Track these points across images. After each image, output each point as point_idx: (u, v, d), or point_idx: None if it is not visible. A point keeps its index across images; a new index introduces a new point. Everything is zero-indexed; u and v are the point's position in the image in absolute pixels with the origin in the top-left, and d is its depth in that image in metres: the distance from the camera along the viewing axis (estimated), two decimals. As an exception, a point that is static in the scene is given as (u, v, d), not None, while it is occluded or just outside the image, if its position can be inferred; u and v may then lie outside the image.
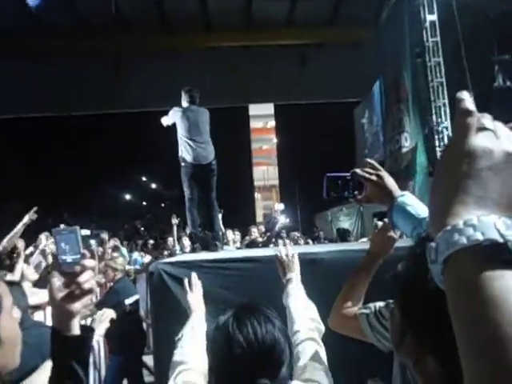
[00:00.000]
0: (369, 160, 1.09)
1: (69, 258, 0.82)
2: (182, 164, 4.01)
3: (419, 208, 1.00)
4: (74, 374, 0.82)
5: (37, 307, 2.47)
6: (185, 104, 4.20)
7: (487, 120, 0.44)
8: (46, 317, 2.60)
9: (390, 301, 1.17)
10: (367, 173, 1.05)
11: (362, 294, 1.29)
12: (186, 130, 4.00)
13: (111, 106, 14.39)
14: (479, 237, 0.36)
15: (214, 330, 1.04)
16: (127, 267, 4.73)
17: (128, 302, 3.79)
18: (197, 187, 4.02)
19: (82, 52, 12.52)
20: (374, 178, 1.05)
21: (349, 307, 1.27)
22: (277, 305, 2.40)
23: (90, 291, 0.82)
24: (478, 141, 0.42)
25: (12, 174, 20.38)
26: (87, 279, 0.81)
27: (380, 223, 1.27)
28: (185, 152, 3.98)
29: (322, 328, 1.37)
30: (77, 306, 0.81)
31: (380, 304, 1.22)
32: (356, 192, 1.08)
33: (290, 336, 1.07)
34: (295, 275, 1.67)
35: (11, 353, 0.91)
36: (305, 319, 1.35)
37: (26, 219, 3.37)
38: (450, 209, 0.40)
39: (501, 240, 0.36)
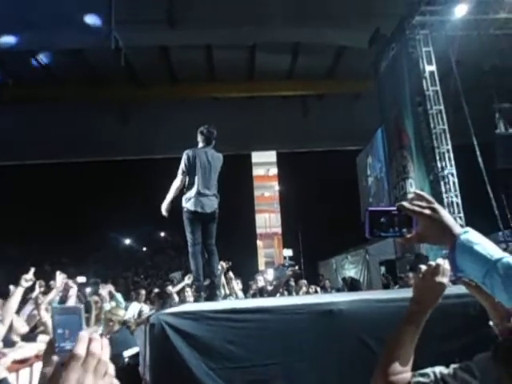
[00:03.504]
0: (417, 191, 0.94)
1: (68, 345, 0.66)
2: (185, 209, 3.88)
3: (490, 247, 0.84)
4: None
5: (23, 362, 2.23)
6: (200, 145, 4.11)
7: None
8: (32, 373, 2.34)
9: (455, 365, 0.98)
10: (418, 206, 0.90)
11: (411, 354, 1.07)
12: (198, 182, 3.85)
13: (116, 153, 14.64)
14: None
15: None
16: (126, 317, 4.45)
17: (127, 354, 3.47)
18: (198, 233, 3.88)
19: (91, 101, 12.95)
20: (427, 211, 0.88)
21: (398, 372, 1.04)
22: (291, 364, 2.18)
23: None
24: None
25: (11, 218, 20.30)
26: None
27: (423, 267, 1.11)
28: (190, 202, 3.83)
29: None
30: None
31: (441, 370, 1.01)
32: (405, 229, 0.91)
33: None
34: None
35: None
36: None
37: (23, 282, 2.87)
38: None
39: None
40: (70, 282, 3.12)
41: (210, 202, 3.90)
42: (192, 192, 3.85)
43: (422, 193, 0.92)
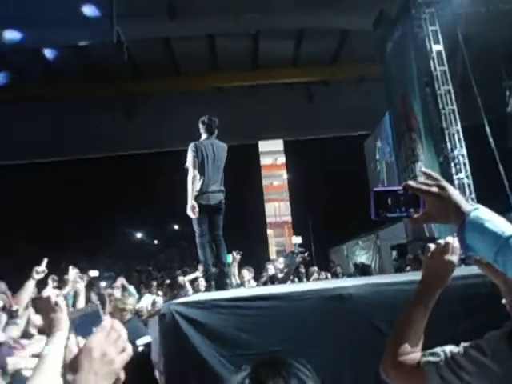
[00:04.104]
0: (424, 169, 0.91)
1: None
2: None
3: (501, 223, 0.81)
4: None
5: (40, 357, 2.27)
6: (204, 136, 4.11)
7: None
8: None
9: (466, 344, 0.96)
10: (425, 184, 0.87)
11: (421, 335, 1.05)
12: (205, 176, 3.86)
13: (125, 148, 14.69)
14: None
15: None
16: (137, 306, 4.51)
17: (140, 342, 3.52)
18: (205, 224, 3.90)
19: (95, 96, 12.96)
20: (434, 189, 0.86)
21: (407, 353, 1.02)
22: (303, 350, 2.17)
23: None
24: None
25: (25, 216, 20.64)
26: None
27: (432, 245, 1.08)
28: (197, 197, 3.85)
29: None
30: None
31: (451, 349, 0.99)
32: (412, 209, 0.88)
33: None
34: None
35: None
36: None
37: (34, 274, 2.83)
38: None
39: None
40: (78, 277, 3.13)
41: (215, 194, 3.91)
42: (198, 185, 3.85)
43: (428, 171, 0.90)
